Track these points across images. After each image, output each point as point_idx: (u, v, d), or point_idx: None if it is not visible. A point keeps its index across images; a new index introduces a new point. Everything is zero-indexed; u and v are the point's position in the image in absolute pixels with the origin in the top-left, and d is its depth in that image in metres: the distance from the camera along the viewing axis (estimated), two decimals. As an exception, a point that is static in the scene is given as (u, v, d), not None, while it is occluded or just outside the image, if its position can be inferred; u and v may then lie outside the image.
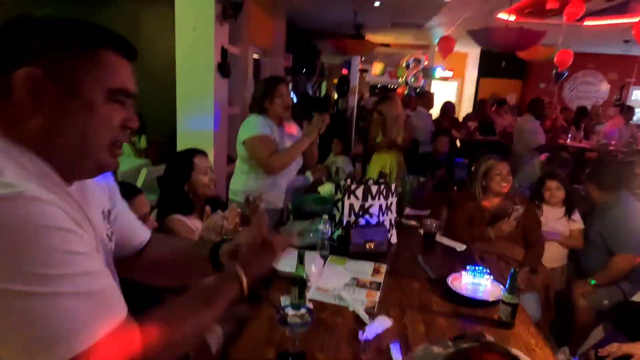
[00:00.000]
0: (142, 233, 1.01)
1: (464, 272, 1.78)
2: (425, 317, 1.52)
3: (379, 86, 10.02)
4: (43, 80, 0.63)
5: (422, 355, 1.12)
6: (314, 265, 1.77)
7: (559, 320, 2.36)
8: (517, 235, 2.28)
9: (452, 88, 9.94)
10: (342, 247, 2.00)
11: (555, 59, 6.37)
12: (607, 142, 5.28)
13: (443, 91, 9.45)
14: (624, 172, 2.62)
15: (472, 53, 9.25)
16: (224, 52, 3.49)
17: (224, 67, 3.47)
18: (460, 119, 6.33)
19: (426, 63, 9.18)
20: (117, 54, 0.71)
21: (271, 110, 2.38)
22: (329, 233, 1.99)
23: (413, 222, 2.52)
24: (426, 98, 4.89)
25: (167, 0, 3.48)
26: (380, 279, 1.78)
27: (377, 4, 5.35)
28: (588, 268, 2.44)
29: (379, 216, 2.09)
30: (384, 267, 1.87)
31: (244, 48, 4.63)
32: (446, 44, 5.45)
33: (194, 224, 1.87)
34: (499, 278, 1.74)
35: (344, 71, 9.60)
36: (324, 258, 1.91)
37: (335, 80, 9.41)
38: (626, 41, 6.84)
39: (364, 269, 1.85)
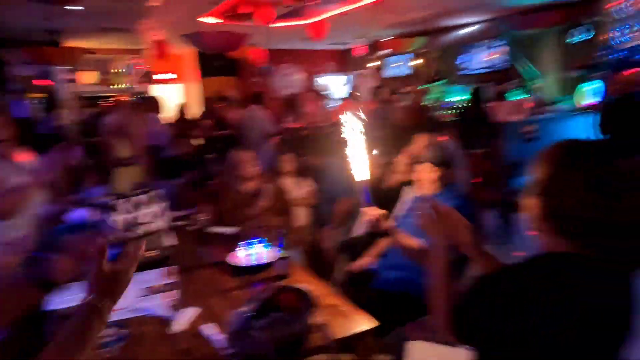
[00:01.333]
0: None
1: (241, 248, 2.07)
2: (225, 295, 1.74)
3: (95, 97, 9.12)
4: None
5: (236, 319, 1.33)
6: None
7: (315, 262, 2.99)
8: (273, 207, 2.74)
9: (177, 90, 10.05)
10: (123, 265, 1.96)
11: (250, 57, 7.31)
12: (313, 121, 6.61)
13: (168, 94, 9.46)
14: (329, 140, 3.47)
15: (189, 55, 9.57)
16: None
17: None
18: (195, 119, 6.59)
19: (144, 67, 8.96)
20: None
21: None
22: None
23: (184, 222, 2.65)
24: (153, 103, 4.89)
25: None
26: (173, 279, 1.87)
27: (76, 8, 4.91)
28: (324, 218, 3.15)
29: (153, 223, 2.13)
30: (173, 268, 1.96)
31: None
32: (161, 47, 5.51)
33: None
34: (271, 243, 2.11)
35: (45, 83, 8.29)
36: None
37: (39, 95, 8.04)
38: (306, 38, 8.54)
39: (155, 277, 1.89)
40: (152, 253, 2.05)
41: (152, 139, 3.93)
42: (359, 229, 2.95)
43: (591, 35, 6.02)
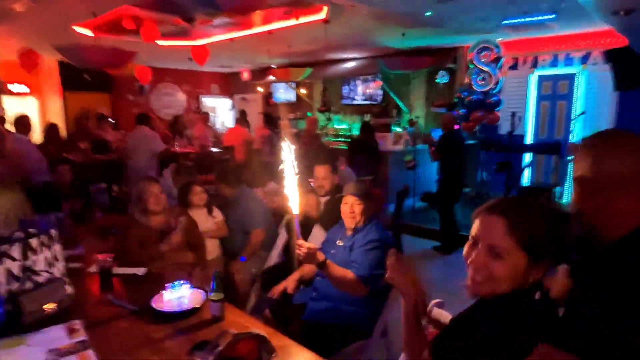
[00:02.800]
0: None
1: (163, 292, 1.87)
2: (153, 347, 1.54)
3: None
4: None
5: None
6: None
7: (228, 295, 2.83)
8: (184, 242, 2.54)
9: (32, 105, 8.72)
10: (12, 325, 1.60)
11: (136, 75, 6.82)
12: (205, 145, 6.35)
13: (21, 109, 8.18)
14: (240, 170, 3.38)
15: (48, 65, 8.41)
16: None
17: None
18: (70, 140, 5.74)
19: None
20: None
21: None
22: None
23: (77, 264, 2.29)
24: (21, 122, 4.13)
25: None
26: (82, 336, 1.59)
27: None
28: (235, 249, 3.03)
29: (48, 271, 1.80)
30: (78, 323, 1.67)
31: None
32: (29, 58, 4.74)
33: None
34: (194, 284, 1.94)
35: None
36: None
37: None
38: (190, 59, 8.25)
39: (58, 335, 1.59)
40: (51, 306, 1.73)
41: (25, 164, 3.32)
42: (274, 258, 2.92)
43: (449, 78, 7.06)
